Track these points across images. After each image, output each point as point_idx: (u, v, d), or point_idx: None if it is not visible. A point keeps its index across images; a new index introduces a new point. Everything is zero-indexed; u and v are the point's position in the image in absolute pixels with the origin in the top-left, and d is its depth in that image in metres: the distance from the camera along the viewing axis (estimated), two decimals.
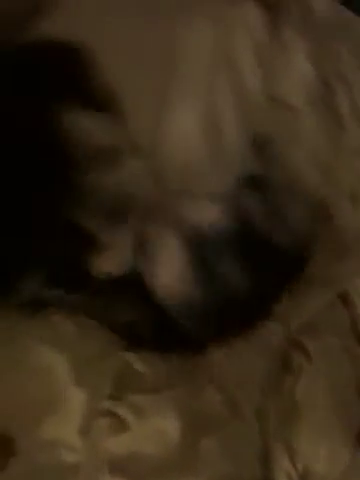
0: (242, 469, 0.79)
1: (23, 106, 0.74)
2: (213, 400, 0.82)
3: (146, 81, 0.92)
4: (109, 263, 0.73)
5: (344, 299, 0.98)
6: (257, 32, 0.98)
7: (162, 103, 0.93)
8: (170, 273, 0.76)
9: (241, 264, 0.79)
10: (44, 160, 0.73)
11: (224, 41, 0.97)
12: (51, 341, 0.78)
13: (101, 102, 0.80)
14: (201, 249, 0.78)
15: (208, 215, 0.82)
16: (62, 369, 0.78)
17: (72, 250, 0.71)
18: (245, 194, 0.89)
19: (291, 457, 0.84)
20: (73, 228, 0.71)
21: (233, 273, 0.79)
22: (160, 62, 0.94)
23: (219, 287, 0.77)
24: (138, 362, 0.81)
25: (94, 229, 0.73)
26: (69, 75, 0.78)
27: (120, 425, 0.78)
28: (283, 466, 0.84)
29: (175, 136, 0.92)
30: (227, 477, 0.77)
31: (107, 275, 0.73)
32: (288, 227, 0.88)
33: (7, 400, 0.76)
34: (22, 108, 0.74)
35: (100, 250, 0.73)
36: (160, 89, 0.94)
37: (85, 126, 0.77)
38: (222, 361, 0.86)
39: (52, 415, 0.78)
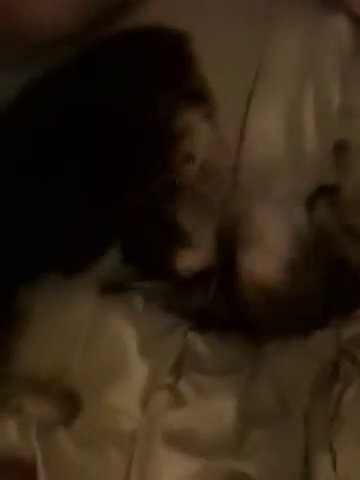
0: (286, 464, 0.86)
1: (133, 92, 0.83)
2: (267, 394, 0.90)
3: (236, 78, 1.01)
4: (194, 260, 0.82)
5: None
6: (344, 45, 1.07)
7: (249, 101, 1.02)
8: (264, 270, 0.84)
9: (320, 273, 0.87)
10: (148, 150, 0.82)
11: (313, 50, 1.06)
12: (124, 314, 0.86)
13: (197, 94, 0.89)
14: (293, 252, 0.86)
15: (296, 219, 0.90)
16: (131, 342, 0.85)
17: (166, 243, 0.80)
18: (321, 202, 0.96)
19: (333, 461, 0.90)
20: (171, 224, 0.80)
21: (313, 281, 0.87)
22: (252, 62, 1.03)
23: (301, 291, 0.85)
24: (200, 343, 0.88)
25: (189, 229, 0.81)
26: (174, 63, 0.87)
27: (179, 401, 0.84)
28: (324, 468, 0.90)
29: (258, 135, 1.00)
30: (272, 468, 0.84)
31: (189, 270, 0.82)
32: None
33: (82, 363, 0.84)
34: (132, 94, 0.82)
35: (190, 247, 0.82)
36: (249, 88, 1.03)
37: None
38: (278, 360, 0.93)
39: (117, 384, 0.86)
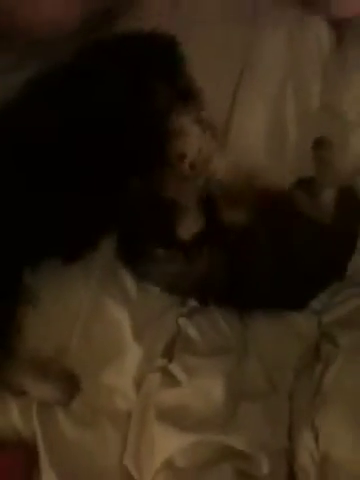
0: (272, 438, 0.92)
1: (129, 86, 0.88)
2: (254, 373, 0.95)
3: (223, 76, 1.07)
4: (192, 225, 0.88)
5: None
6: (324, 47, 1.14)
7: (234, 99, 1.08)
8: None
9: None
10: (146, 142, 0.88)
11: (294, 53, 1.12)
12: (119, 300, 0.91)
13: (188, 93, 0.95)
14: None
15: None
16: (125, 326, 0.91)
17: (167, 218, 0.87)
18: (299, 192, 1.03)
19: (315, 437, 0.96)
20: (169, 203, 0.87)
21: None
22: (238, 62, 1.09)
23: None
24: (191, 327, 0.94)
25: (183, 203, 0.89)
26: (168, 64, 0.93)
27: (171, 381, 0.90)
28: (307, 444, 0.96)
29: (242, 131, 1.06)
30: (259, 442, 0.89)
31: (190, 233, 0.89)
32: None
33: (80, 346, 0.89)
34: (129, 93, 0.88)
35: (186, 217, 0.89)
36: (234, 86, 1.09)
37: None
38: (264, 342, 0.99)
39: (112, 365, 0.91)
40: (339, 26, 1.15)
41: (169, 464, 0.84)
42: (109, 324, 0.91)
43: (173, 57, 0.91)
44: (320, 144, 1.08)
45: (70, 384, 0.85)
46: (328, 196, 1.00)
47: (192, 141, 0.89)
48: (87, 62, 0.86)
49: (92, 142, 0.80)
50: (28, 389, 0.83)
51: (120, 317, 0.91)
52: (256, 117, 1.05)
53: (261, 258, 0.90)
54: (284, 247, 0.92)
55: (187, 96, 0.92)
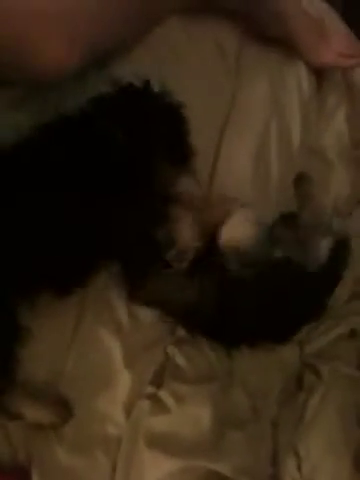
0: (258, 465, 0.96)
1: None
2: (240, 402, 0.99)
3: (210, 118, 1.14)
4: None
5: (351, 332, 1.17)
6: (304, 91, 1.22)
7: (221, 139, 1.15)
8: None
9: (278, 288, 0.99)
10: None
11: (277, 96, 1.20)
12: (111, 328, 0.95)
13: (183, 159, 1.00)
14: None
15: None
16: (116, 354, 0.95)
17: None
18: (281, 226, 1.09)
19: (298, 465, 1.00)
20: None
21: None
22: (224, 104, 1.16)
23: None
24: (179, 356, 0.98)
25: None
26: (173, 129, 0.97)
27: (160, 407, 0.94)
28: (290, 471, 1.00)
29: (228, 170, 1.12)
30: (244, 468, 0.93)
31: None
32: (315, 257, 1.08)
33: (73, 372, 0.93)
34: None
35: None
36: (221, 127, 1.16)
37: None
38: (249, 372, 1.04)
39: (104, 392, 0.94)
40: (318, 71, 1.22)
41: None
42: (101, 352, 0.94)
43: (179, 125, 0.95)
44: (301, 179, 1.15)
45: (64, 408, 0.87)
46: (324, 246, 1.04)
47: (185, 230, 0.94)
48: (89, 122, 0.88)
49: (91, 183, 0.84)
50: (25, 413, 0.85)
51: (112, 346, 0.94)
52: (242, 155, 1.11)
53: (246, 293, 0.94)
54: (268, 285, 0.97)
55: (181, 163, 0.96)
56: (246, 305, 0.94)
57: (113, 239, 0.88)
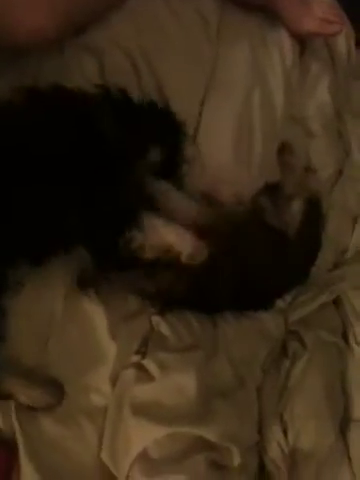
0: (243, 432, 0.96)
1: None
2: (224, 369, 1.00)
3: (190, 85, 1.12)
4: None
5: (336, 301, 1.18)
6: (287, 59, 1.20)
7: (204, 104, 1.12)
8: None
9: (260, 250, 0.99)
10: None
11: (259, 63, 1.18)
12: (94, 300, 0.95)
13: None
14: None
15: None
16: (101, 326, 0.94)
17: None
18: (264, 197, 1.08)
19: (284, 430, 1.01)
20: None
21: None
22: (204, 71, 1.14)
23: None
24: (163, 325, 0.98)
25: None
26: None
27: (145, 376, 0.93)
28: (276, 437, 1.01)
29: (212, 134, 1.11)
30: (231, 435, 0.93)
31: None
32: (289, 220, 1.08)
33: (57, 346, 0.93)
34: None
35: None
36: (201, 95, 1.13)
37: None
38: (233, 340, 1.04)
39: (89, 364, 0.94)
40: (301, 39, 1.20)
41: (144, 456, 0.87)
42: (84, 322, 0.93)
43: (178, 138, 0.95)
44: (284, 149, 1.13)
45: (56, 388, 0.87)
46: (295, 208, 1.04)
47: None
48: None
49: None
50: (17, 395, 0.85)
51: (95, 315, 0.93)
52: (223, 125, 1.10)
53: (224, 264, 0.93)
54: (247, 254, 0.95)
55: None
56: (227, 274, 0.93)
57: (81, 220, 0.86)
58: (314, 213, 1.09)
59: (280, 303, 1.12)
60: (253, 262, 0.96)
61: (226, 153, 1.10)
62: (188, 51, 1.12)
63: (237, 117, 1.11)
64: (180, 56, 1.10)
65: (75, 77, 1.02)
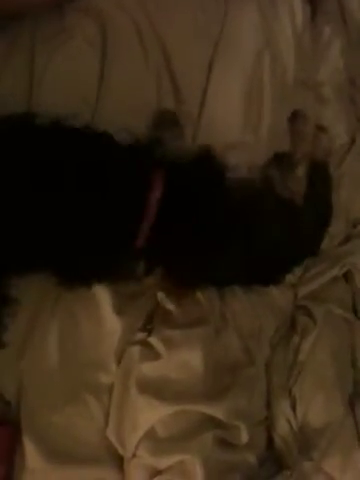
0: (251, 408, 0.93)
1: None
2: (232, 345, 0.96)
3: (198, 50, 1.06)
4: None
5: (347, 276, 1.13)
6: (298, 21, 1.13)
7: (211, 70, 1.06)
8: None
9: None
10: None
11: (268, 26, 1.11)
12: None
13: None
14: None
15: None
16: (106, 302, 0.91)
17: None
18: (273, 167, 1.03)
19: (293, 406, 0.98)
20: None
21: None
22: (212, 35, 1.07)
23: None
24: (169, 302, 0.94)
25: None
26: None
27: (151, 354, 0.90)
28: (285, 412, 0.98)
29: (220, 102, 1.05)
30: (239, 412, 0.90)
31: None
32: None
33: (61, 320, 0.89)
34: None
35: None
36: (209, 59, 1.07)
37: None
38: (241, 315, 1.00)
39: (94, 340, 0.91)
40: (314, 3, 1.13)
41: (151, 434, 0.85)
42: (88, 299, 0.90)
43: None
44: (296, 117, 1.07)
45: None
46: (301, 172, 0.99)
47: None
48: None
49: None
50: None
51: (99, 292, 0.90)
52: (231, 89, 1.04)
53: (232, 238, 0.88)
54: (256, 225, 0.91)
55: None
56: (231, 250, 0.88)
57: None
58: (321, 177, 1.04)
59: (290, 277, 1.07)
60: (263, 233, 0.90)
61: (235, 116, 1.04)
62: (196, 12, 1.06)
63: (246, 80, 1.05)
64: (187, 19, 1.04)
65: (76, 41, 0.97)
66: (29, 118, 0.82)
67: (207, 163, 0.89)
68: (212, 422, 0.88)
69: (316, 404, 0.99)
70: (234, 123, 1.04)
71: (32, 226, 0.77)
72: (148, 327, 0.93)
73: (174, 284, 0.92)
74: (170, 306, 0.94)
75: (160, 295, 0.95)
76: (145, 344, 0.91)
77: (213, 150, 0.91)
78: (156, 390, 0.87)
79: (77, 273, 0.84)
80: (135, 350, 0.90)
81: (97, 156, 0.82)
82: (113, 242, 0.82)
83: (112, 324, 0.90)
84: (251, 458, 0.90)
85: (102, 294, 0.90)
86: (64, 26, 0.99)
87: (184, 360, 0.89)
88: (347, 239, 1.16)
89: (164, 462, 0.84)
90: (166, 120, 0.98)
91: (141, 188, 0.82)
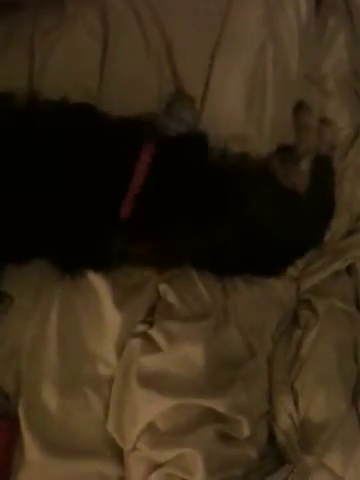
0: (253, 402, 0.92)
1: None
2: (234, 339, 0.95)
3: (203, 42, 1.04)
4: None
5: (349, 269, 1.12)
6: (302, 13, 1.11)
7: (214, 63, 1.05)
8: None
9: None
10: None
11: (273, 19, 1.09)
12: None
13: None
14: None
15: None
16: (105, 293, 0.89)
17: None
18: (276, 159, 1.01)
19: (294, 400, 0.97)
20: None
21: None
22: (215, 27, 1.05)
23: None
24: (170, 294, 0.93)
25: None
26: None
27: (151, 346, 0.89)
28: (286, 407, 0.97)
29: (223, 95, 1.03)
30: (241, 407, 0.89)
31: None
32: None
33: (61, 314, 0.88)
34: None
35: None
36: (214, 51, 1.05)
37: None
38: (243, 309, 0.99)
39: (94, 333, 0.90)
40: None
41: (151, 428, 0.84)
42: (88, 291, 0.89)
43: None
44: (300, 109, 1.06)
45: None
46: (304, 166, 0.98)
47: None
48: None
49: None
50: None
51: (99, 284, 0.89)
52: (234, 82, 1.03)
53: (236, 227, 0.87)
54: (259, 216, 0.89)
55: None
56: (234, 238, 0.87)
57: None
58: (324, 171, 1.03)
59: (292, 271, 1.06)
60: (265, 224, 0.89)
61: (237, 108, 1.03)
62: (196, 2, 1.04)
63: (249, 72, 1.04)
64: (188, 6, 1.03)
65: (76, 31, 0.95)
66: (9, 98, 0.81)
67: (198, 141, 0.88)
68: (213, 416, 0.87)
69: (318, 399, 0.98)
70: (237, 114, 1.03)
71: (20, 202, 0.77)
72: (149, 320, 0.92)
73: (158, 259, 0.90)
74: (172, 299, 0.93)
75: (162, 287, 0.94)
76: (146, 337, 0.90)
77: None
78: (157, 383, 0.86)
79: (69, 255, 0.83)
80: (136, 343, 0.89)
81: (88, 129, 0.82)
82: (100, 211, 0.82)
83: (112, 316, 0.89)
84: (252, 452, 0.89)
85: (102, 286, 0.89)
86: (65, 16, 0.97)
87: (185, 354, 0.89)
88: (350, 233, 1.15)
89: (164, 455, 0.83)
90: (180, 100, 0.96)
91: (130, 160, 0.82)
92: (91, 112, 0.84)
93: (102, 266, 0.87)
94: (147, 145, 0.84)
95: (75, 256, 0.84)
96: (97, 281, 0.89)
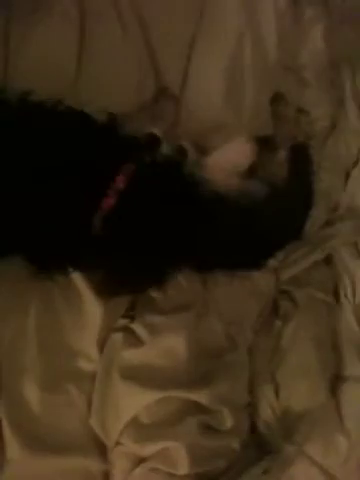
0: (235, 394, 0.93)
1: None
2: (215, 331, 0.95)
3: (178, 29, 1.03)
4: None
5: (327, 260, 1.13)
6: (281, 3, 1.11)
7: (192, 52, 1.04)
8: None
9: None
10: None
11: (251, 5, 1.09)
12: None
13: None
14: None
15: None
16: (86, 287, 0.88)
17: None
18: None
19: (276, 391, 0.98)
20: None
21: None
22: (192, 16, 1.04)
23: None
24: (152, 287, 0.92)
25: None
26: None
27: (133, 340, 0.88)
28: (268, 398, 0.98)
29: (201, 83, 1.03)
30: (223, 398, 0.90)
31: None
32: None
33: (40, 308, 0.87)
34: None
35: None
36: (189, 37, 1.04)
37: None
38: (224, 300, 0.99)
39: (74, 326, 0.89)
40: None
41: (134, 422, 0.84)
42: (68, 287, 0.88)
43: None
44: (277, 100, 1.06)
45: None
46: (281, 156, 0.98)
47: None
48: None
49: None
50: None
51: (79, 280, 0.89)
52: (213, 68, 1.03)
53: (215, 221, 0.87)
54: (238, 209, 0.89)
55: None
56: (214, 232, 0.87)
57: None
58: (302, 159, 1.03)
59: (272, 261, 1.06)
60: (246, 214, 0.89)
61: (216, 95, 1.03)
62: None
63: (227, 60, 1.04)
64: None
65: (52, 18, 0.93)
66: None
67: (178, 167, 0.87)
68: (196, 408, 0.87)
69: (298, 389, 0.99)
70: (216, 101, 1.02)
71: None
72: (131, 313, 0.91)
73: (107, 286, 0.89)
74: (153, 292, 0.92)
75: None
76: (128, 330, 0.89)
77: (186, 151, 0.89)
78: (139, 377, 0.86)
79: (45, 257, 0.81)
80: (118, 337, 0.89)
81: (69, 137, 0.81)
82: (71, 228, 0.81)
83: (93, 311, 0.88)
84: (234, 443, 0.89)
85: (81, 280, 0.87)
86: (40, 2, 0.94)
87: (167, 346, 0.88)
88: (328, 223, 1.16)
89: (148, 449, 0.82)
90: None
91: (106, 178, 0.81)
92: (81, 116, 0.81)
93: (76, 268, 0.85)
94: (127, 166, 0.82)
95: (49, 257, 0.81)
96: (77, 275, 0.87)
